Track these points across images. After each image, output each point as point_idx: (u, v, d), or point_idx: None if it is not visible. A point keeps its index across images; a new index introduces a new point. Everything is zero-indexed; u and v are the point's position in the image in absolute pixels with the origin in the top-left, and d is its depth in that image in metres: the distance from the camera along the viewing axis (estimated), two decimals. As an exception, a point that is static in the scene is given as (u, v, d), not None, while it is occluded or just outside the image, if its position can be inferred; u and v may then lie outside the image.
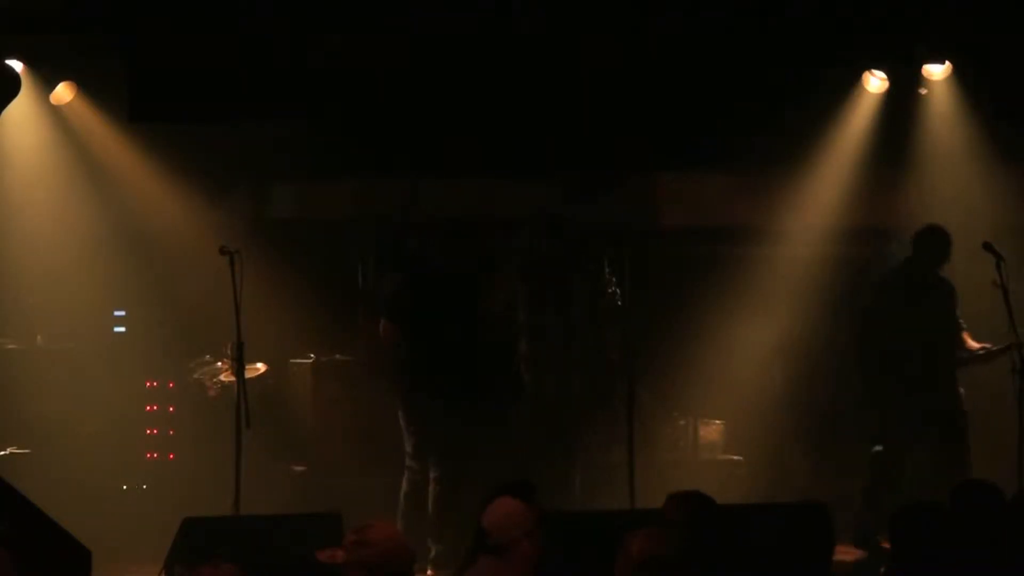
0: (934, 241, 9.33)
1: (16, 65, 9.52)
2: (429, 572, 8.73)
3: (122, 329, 10.52)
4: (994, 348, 9.27)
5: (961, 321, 9.46)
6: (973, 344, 9.40)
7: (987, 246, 8.83)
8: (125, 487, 10.11)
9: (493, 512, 5.59)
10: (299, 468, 10.32)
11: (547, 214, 10.11)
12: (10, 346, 10.21)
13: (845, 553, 7.22)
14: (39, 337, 10.27)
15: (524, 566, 5.50)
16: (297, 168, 10.88)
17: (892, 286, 9.48)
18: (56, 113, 10.14)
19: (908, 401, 9.23)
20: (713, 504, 5.98)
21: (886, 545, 5.57)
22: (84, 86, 10.04)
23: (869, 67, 10.20)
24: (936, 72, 10.11)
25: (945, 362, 9.36)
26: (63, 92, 10.03)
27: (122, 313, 10.54)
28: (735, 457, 10.47)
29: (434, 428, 8.94)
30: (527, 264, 9.90)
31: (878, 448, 9.34)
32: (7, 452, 9.68)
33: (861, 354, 9.45)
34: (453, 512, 8.84)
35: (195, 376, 10.24)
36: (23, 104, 9.78)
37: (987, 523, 5.60)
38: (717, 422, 10.59)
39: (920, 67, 10.10)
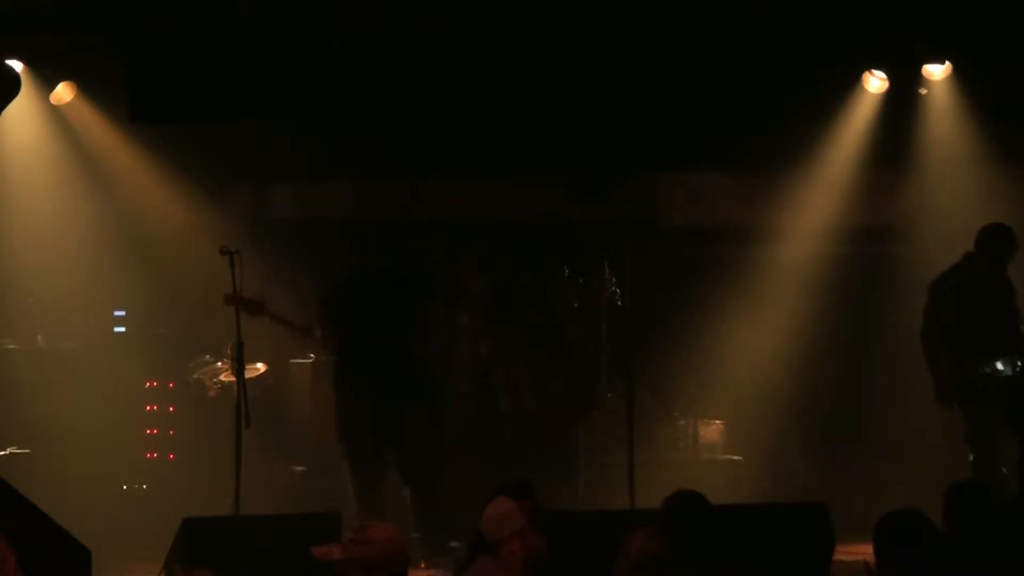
0: (996, 239, 9.19)
1: (16, 65, 9.52)
2: (422, 564, 8.73)
3: (122, 329, 10.53)
4: None
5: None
6: None
7: (987, 246, 8.84)
8: (125, 487, 10.11)
9: (487, 512, 5.63)
10: (299, 468, 10.33)
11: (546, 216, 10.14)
12: (10, 346, 10.21)
13: (845, 553, 7.21)
14: (39, 337, 10.28)
15: (517, 564, 5.51)
16: (297, 168, 10.88)
17: (951, 284, 9.31)
18: (56, 113, 10.14)
19: (984, 396, 9.14)
20: (707, 504, 5.97)
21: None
22: (84, 86, 10.04)
23: (869, 67, 10.19)
24: (936, 72, 10.10)
25: (1011, 357, 9.23)
26: (63, 92, 10.03)
27: (122, 313, 10.55)
28: (735, 457, 10.47)
29: (383, 437, 8.87)
30: (525, 266, 9.89)
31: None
32: (7, 452, 9.68)
33: (930, 354, 9.29)
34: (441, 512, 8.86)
35: (195, 376, 10.25)
36: (23, 104, 9.77)
37: (978, 527, 5.57)
38: (717, 422, 10.59)
39: (920, 67, 10.10)
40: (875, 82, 10.28)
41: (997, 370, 9.08)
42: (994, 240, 9.18)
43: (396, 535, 5.02)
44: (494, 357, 9.62)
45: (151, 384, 10.30)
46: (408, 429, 8.91)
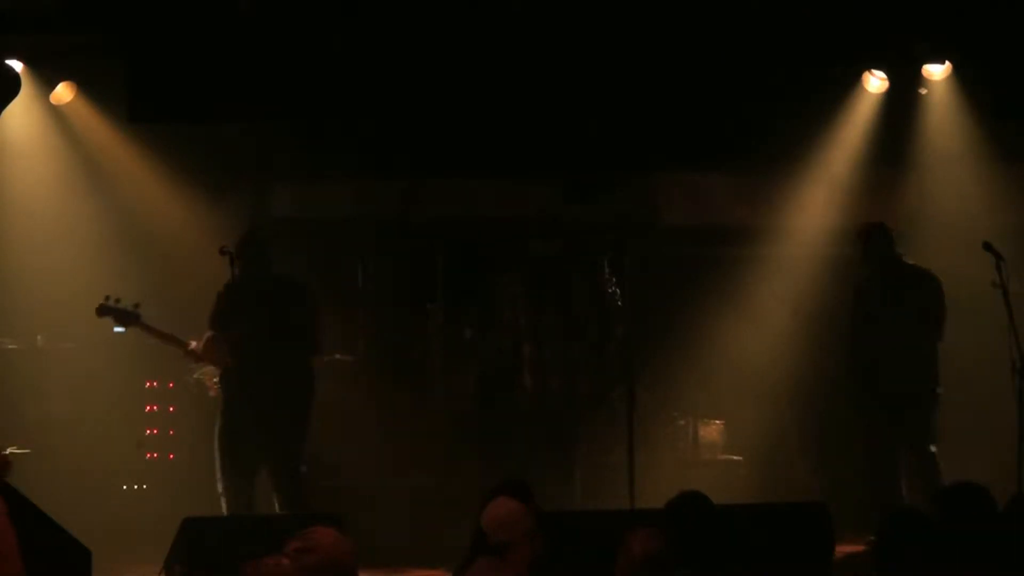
0: (867, 240, 9.41)
1: (16, 65, 9.52)
2: None
3: (122, 329, 10.51)
4: None
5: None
6: None
7: (987, 246, 8.82)
8: (125, 487, 10.11)
9: (492, 513, 5.58)
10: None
11: (546, 216, 10.12)
12: (10, 346, 10.21)
13: (845, 553, 7.23)
14: (39, 337, 10.27)
15: (523, 566, 5.50)
16: (297, 168, 10.88)
17: (862, 293, 9.55)
18: (56, 113, 10.14)
19: (883, 408, 9.27)
20: (710, 504, 5.98)
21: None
22: (84, 86, 10.03)
23: (869, 67, 10.20)
24: (936, 72, 10.11)
25: (917, 352, 9.33)
26: (63, 92, 10.02)
27: (122, 313, 10.53)
28: (735, 457, 10.46)
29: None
30: (527, 267, 9.90)
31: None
32: (7, 452, 9.66)
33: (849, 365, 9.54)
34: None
35: (195, 376, 10.23)
36: (23, 104, 9.77)
37: (975, 528, 5.56)
38: (717, 422, 10.58)
39: (920, 67, 10.10)
40: (875, 82, 10.28)
41: (901, 379, 9.18)
42: (863, 244, 9.40)
43: (342, 540, 4.91)
44: (530, 332, 9.63)
45: (151, 384, 10.30)
46: (282, 441, 8.89)
